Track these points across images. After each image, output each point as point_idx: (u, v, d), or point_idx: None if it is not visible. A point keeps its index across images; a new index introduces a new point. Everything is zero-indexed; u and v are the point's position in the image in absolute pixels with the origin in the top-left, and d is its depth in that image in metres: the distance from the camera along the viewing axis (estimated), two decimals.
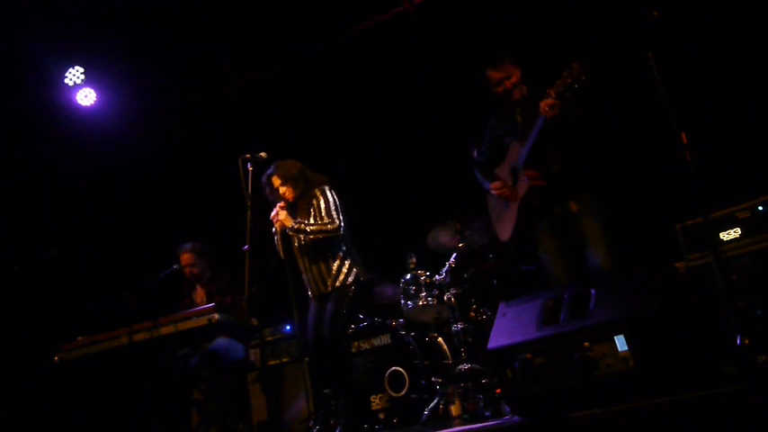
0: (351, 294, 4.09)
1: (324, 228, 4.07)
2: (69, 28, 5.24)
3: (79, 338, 4.30)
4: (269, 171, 4.32)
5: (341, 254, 4.16)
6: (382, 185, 5.84)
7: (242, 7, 5.27)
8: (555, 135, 3.43)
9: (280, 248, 4.32)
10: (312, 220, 4.13)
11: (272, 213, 4.19)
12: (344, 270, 4.13)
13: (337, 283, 4.10)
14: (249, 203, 3.91)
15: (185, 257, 4.87)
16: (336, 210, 4.15)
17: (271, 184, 4.30)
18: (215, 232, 5.50)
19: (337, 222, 4.08)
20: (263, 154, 4.04)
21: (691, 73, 4.23)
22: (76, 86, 5.62)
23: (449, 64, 5.37)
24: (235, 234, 4.31)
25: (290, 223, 4.10)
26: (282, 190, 4.25)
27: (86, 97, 5.66)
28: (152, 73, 5.71)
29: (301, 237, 4.16)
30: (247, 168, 3.98)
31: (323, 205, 4.15)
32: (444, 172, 5.43)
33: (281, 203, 4.21)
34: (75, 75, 5.61)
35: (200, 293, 4.91)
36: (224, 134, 6.09)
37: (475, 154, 4.12)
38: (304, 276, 4.27)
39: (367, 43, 5.63)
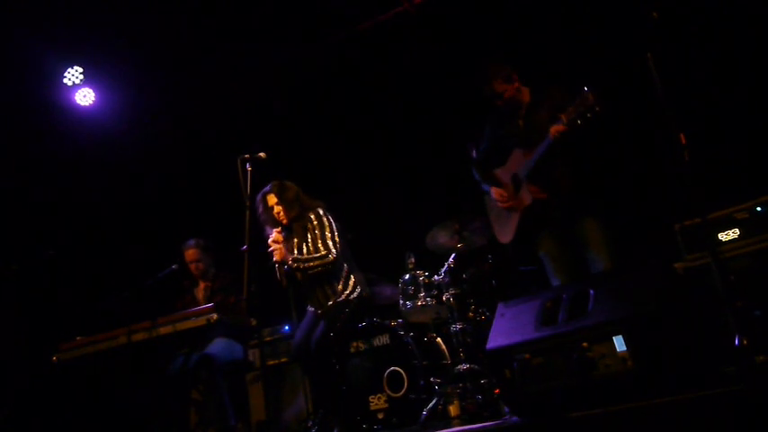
0: (350, 309, 4.09)
1: (322, 261, 4.09)
2: (68, 28, 5.24)
3: (78, 338, 4.29)
4: (265, 189, 4.30)
5: (344, 275, 4.19)
6: (381, 185, 5.83)
7: (242, 7, 5.27)
8: (562, 152, 3.42)
9: (282, 277, 4.31)
10: (311, 245, 4.14)
11: (270, 241, 4.18)
12: (348, 290, 4.14)
13: (340, 299, 4.10)
14: (248, 203, 3.90)
15: (190, 253, 4.86)
16: (332, 235, 4.16)
17: (265, 201, 4.28)
18: (214, 232, 5.50)
19: (334, 252, 4.11)
20: (262, 154, 4.01)
21: (691, 73, 4.22)
22: (75, 86, 5.62)
23: (449, 64, 5.36)
24: (234, 234, 4.31)
25: (288, 260, 4.11)
26: (277, 209, 4.25)
27: (85, 97, 5.66)
28: (152, 73, 5.71)
29: (300, 272, 4.18)
30: (246, 168, 3.97)
31: (318, 232, 4.16)
32: (443, 172, 5.43)
33: (278, 230, 4.21)
34: (73, 75, 5.60)
35: (201, 290, 4.91)
36: (224, 134, 6.08)
37: (474, 153, 4.11)
38: (307, 297, 4.28)
39: (367, 43, 5.63)
